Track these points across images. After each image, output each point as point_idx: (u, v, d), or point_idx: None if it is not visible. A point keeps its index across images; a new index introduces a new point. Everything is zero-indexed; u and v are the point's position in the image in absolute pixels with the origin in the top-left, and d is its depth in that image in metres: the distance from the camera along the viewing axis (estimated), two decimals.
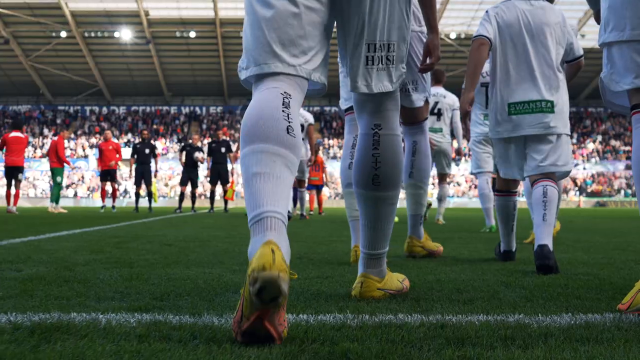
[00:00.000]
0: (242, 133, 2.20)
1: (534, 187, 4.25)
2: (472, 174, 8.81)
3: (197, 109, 65.12)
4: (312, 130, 12.57)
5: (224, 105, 65.15)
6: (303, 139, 12.42)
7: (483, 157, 8.48)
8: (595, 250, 5.47)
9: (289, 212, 11.78)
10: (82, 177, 55.04)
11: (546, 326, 2.10)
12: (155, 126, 62.40)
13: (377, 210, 2.72)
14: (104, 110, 64.93)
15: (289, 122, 2.18)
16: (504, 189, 4.64)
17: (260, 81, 2.32)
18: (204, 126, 61.21)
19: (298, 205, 14.49)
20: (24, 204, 41.31)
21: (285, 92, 2.26)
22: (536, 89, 4.27)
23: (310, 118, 12.52)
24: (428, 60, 3.25)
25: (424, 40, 4.30)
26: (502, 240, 4.64)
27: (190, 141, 19.70)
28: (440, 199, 11.64)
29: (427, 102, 4.58)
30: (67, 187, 52.49)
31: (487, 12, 4.54)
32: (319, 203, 18.72)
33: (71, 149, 57.51)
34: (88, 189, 53.85)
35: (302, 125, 12.42)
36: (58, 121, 62.73)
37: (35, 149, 58.42)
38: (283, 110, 2.21)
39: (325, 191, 48.99)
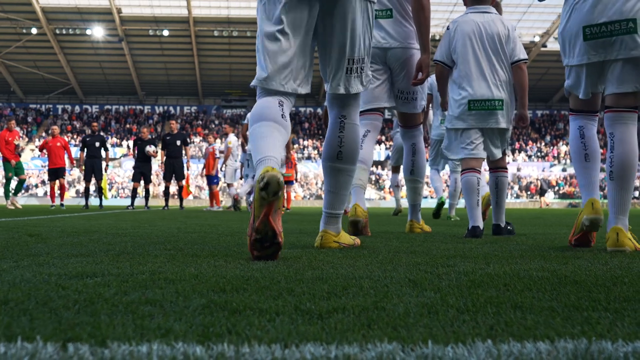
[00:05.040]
0: (251, 116, 3.30)
1: (490, 176, 5.49)
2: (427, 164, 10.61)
3: (171, 108, 63.73)
4: None
5: (198, 105, 63.87)
6: None
7: (438, 157, 10.09)
8: (560, 242, 4.35)
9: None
10: None
11: None
12: (128, 125, 60.92)
13: (338, 179, 3.59)
14: (77, 108, 63.38)
15: (282, 112, 3.30)
16: (469, 167, 5.29)
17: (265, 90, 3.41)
18: (178, 126, 59.54)
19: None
20: None
21: (280, 100, 3.36)
22: (489, 89, 5.11)
23: None
24: (419, 76, 4.96)
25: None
26: (470, 216, 5.18)
27: (141, 135, 18.23)
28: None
29: (423, 110, 5.48)
30: (36, 186, 50.94)
31: (447, 28, 5.35)
32: (288, 199, 18.70)
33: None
34: (58, 188, 52.28)
35: None
36: (29, 119, 61.15)
37: None
38: (279, 106, 3.32)
39: (299, 191, 48.06)
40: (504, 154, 5.43)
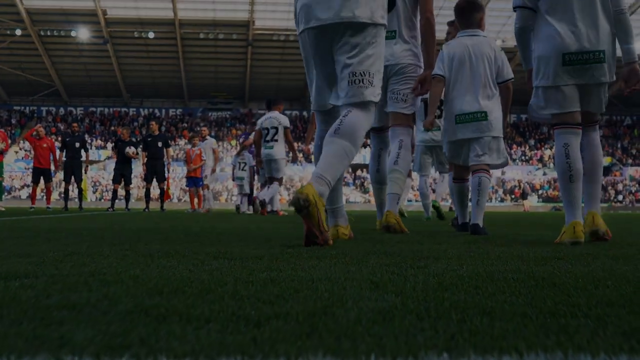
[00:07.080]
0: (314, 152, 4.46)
1: (473, 177, 5.75)
2: (413, 170, 10.59)
3: (157, 110, 63.25)
4: (288, 133, 13.28)
5: (184, 107, 63.40)
6: (276, 140, 13.31)
7: (424, 163, 10.21)
8: (541, 245, 4.10)
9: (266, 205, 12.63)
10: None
11: None
12: (113, 128, 60.41)
13: (332, 148, 3.66)
14: (61, 110, 62.80)
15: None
16: (459, 177, 6.07)
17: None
18: (163, 128, 59.06)
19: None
20: None
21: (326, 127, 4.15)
22: (475, 102, 5.63)
23: (285, 121, 13.27)
24: (420, 89, 5.38)
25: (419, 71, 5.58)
26: (459, 215, 6.11)
27: (121, 136, 17.89)
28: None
29: (414, 114, 5.74)
30: (18, 188, 50.44)
31: (441, 50, 5.88)
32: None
33: (26, 150, 55.34)
34: (42, 191, 51.67)
35: (276, 128, 13.19)
36: (13, 121, 60.56)
37: None
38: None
39: (285, 194, 47.88)
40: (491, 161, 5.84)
